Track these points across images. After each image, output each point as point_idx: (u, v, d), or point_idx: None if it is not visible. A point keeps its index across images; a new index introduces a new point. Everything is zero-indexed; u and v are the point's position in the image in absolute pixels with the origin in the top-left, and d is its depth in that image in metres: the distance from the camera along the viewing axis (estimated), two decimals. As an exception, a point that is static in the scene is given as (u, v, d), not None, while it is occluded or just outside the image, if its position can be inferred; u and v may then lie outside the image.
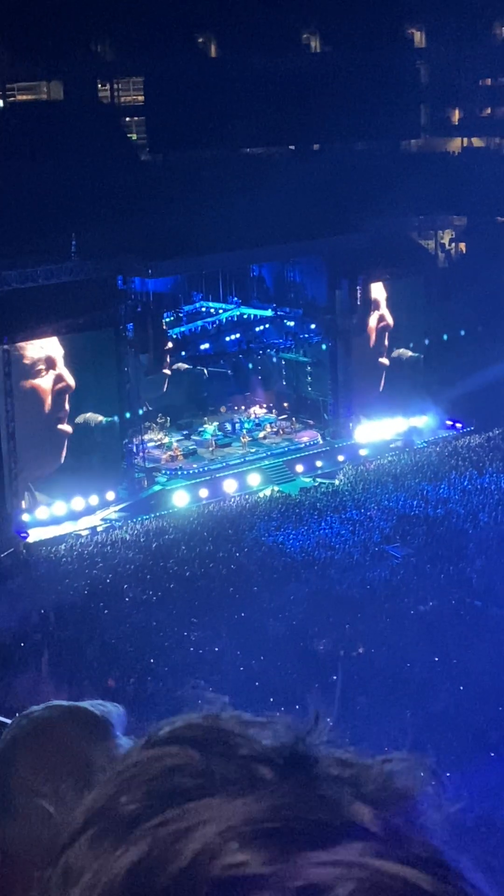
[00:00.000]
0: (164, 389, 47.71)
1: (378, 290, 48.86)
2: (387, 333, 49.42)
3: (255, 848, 0.92)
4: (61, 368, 41.24)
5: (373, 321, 49.08)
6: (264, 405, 50.60)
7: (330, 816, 0.95)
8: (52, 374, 41.11)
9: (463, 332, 49.30)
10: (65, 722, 2.39)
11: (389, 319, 49.44)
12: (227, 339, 47.86)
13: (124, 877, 0.93)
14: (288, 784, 0.98)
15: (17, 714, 2.52)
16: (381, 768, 1.03)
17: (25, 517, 39.86)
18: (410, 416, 48.76)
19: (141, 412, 44.48)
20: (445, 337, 50.35)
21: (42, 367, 40.85)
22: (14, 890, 2.22)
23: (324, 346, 48.49)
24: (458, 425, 48.81)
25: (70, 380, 41.36)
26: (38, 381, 40.88)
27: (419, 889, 0.93)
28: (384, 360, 49.22)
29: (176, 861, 0.92)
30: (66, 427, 41.46)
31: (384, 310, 49.39)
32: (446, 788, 1.06)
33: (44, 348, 40.79)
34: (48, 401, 41.16)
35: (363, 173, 49.46)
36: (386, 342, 49.48)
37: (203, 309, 47.65)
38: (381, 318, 49.41)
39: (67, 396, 41.44)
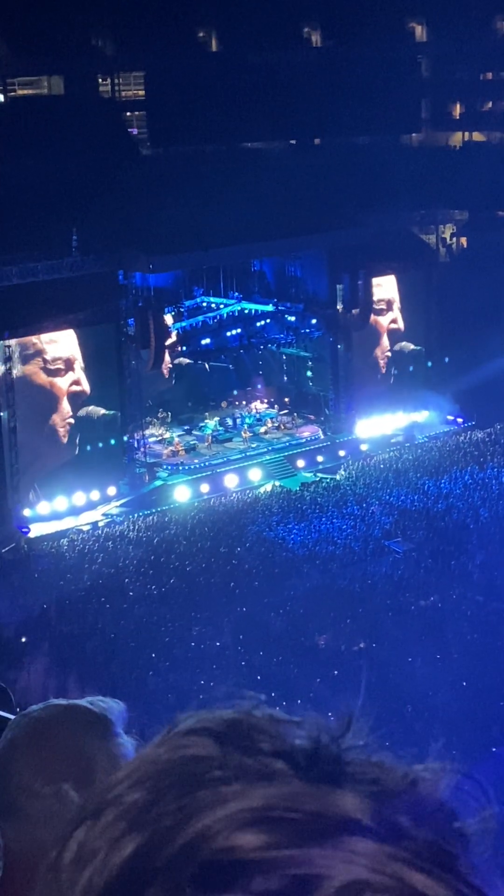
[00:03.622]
0: (173, 383, 47.82)
1: (392, 291, 48.96)
2: (395, 336, 49.58)
3: (255, 832, 0.93)
4: (79, 372, 41.42)
5: (385, 321, 49.17)
6: (265, 400, 50.59)
7: (335, 811, 0.95)
8: (70, 376, 41.29)
9: (464, 327, 49.22)
10: (64, 721, 2.38)
11: (401, 323, 49.55)
12: (228, 334, 47.84)
13: (127, 859, 0.94)
14: (301, 779, 0.98)
15: (17, 710, 2.51)
16: (408, 774, 1.02)
17: (27, 512, 39.88)
18: (411, 411, 48.76)
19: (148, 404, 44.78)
20: (447, 331, 50.33)
21: (62, 366, 41.03)
22: (17, 890, 2.21)
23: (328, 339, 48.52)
24: (460, 420, 48.81)
25: (86, 385, 41.56)
26: (56, 380, 41.07)
27: (412, 888, 0.93)
28: (380, 369, 49.37)
29: (173, 843, 0.93)
30: (64, 434, 41.58)
31: (397, 312, 49.49)
32: (486, 796, 1.05)
33: (66, 348, 40.97)
34: (63, 401, 41.34)
35: (364, 168, 49.39)
36: (391, 344, 49.66)
37: (204, 304, 47.61)
38: (394, 321, 49.53)
39: (80, 402, 41.66)
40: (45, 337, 40.71)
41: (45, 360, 40.74)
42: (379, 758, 1.03)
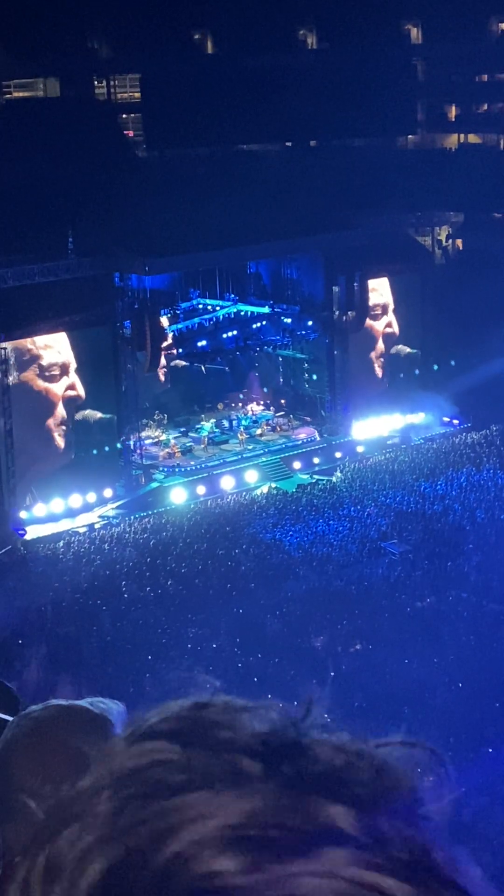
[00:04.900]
0: (168, 385, 47.83)
1: (386, 295, 49.02)
2: (390, 340, 49.64)
3: (233, 855, 0.91)
4: (74, 377, 41.50)
5: (380, 325, 49.21)
6: (261, 402, 50.58)
7: (311, 822, 0.94)
8: (65, 381, 41.36)
9: (460, 329, 49.25)
10: (64, 722, 2.39)
11: (396, 328, 49.64)
12: (225, 336, 47.81)
13: (103, 876, 0.91)
14: (272, 782, 0.96)
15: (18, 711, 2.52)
16: (373, 756, 1.02)
17: (23, 514, 39.86)
18: (408, 413, 48.77)
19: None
20: (442, 334, 50.36)
21: (57, 371, 41.10)
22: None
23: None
24: (456, 422, 48.82)
25: (81, 390, 41.63)
26: (51, 385, 41.14)
27: None
28: (376, 371, 49.43)
29: (152, 864, 0.91)
30: (60, 438, 41.62)
31: (392, 316, 49.56)
32: (447, 775, 1.06)
33: (61, 353, 41.02)
34: (58, 406, 41.41)
35: (360, 170, 49.43)
36: (387, 348, 49.71)
37: (200, 306, 47.59)
38: (389, 325, 49.60)
39: (75, 406, 41.71)
40: (40, 342, 40.73)
41: (40, 367, 40.81)
42: (340, 740, 1.03)
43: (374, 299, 48.72)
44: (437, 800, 1.02)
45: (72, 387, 41.69)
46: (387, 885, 0.92)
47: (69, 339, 41.36)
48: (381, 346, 49.62)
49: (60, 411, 41.57)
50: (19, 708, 2.89)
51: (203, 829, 0.92)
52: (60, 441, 41.69)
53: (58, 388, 41.43)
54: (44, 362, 40.89)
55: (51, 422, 41.43)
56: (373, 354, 49.36)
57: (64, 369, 41.36)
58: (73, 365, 41.58)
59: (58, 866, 0.94)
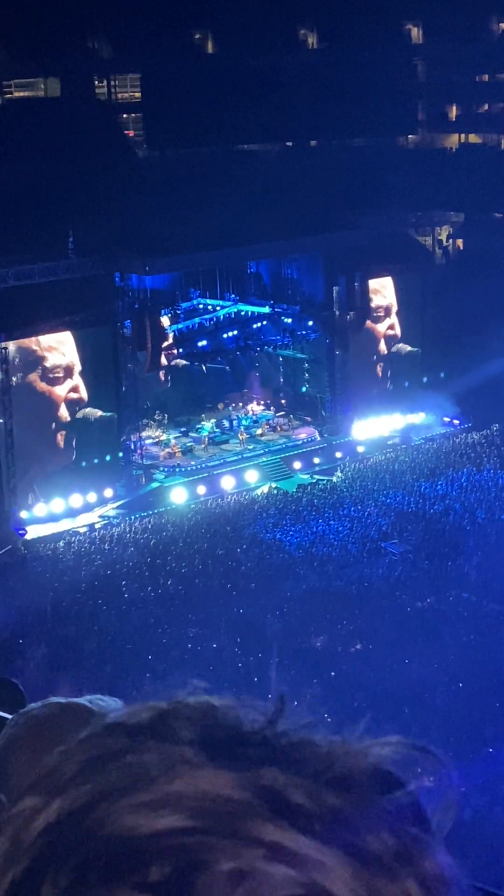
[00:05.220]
0: (168, 384, 47.83)
1: (390, 297, 49.01)
2: (393, 342, 49.64)
3: (154, 819, 0.93)
4: (77, 379, 41.51)
5: (382, 327, 49.20)
6: (262, 402, 50.58)
7: (232, 794, 0.95)
8: (69, 383, 41.38)
9: (460, 329, 49.26)
10: (64, 719, 2.39)
11: (398, 329, 49.61)
12: (225, 335, 47.80)
13: (39, 834, 0.97)
14: (213, 765, 0.97)
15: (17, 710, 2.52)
16: (364, 754, 1.01)
17: (24, 514, 39.87)
18: (408, 413, 48.77)
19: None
20: (443, 333, 50.37)
21: (61, 374, 41.11)
22: None
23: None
24: (456, 422, 48.82)
25: (84, 392, 41.67)
26: (55, 387, 41.18)
27: (321, 888, 0.92)
28: (376, 371, 49.44)
29: (79, 825, 0.95)
30: (61, 439, 41.63)
31: (395, 318, 49.54)
32: (449, 777, 1.04)
33: (66, 355, 41.05)
34: (60, 408, 41.44)
35: (360, 170, 49.44)
36: (386, 349, 49.71)
37: (200, 306, 47.58)
38: (391, 327, 49.58)
39: (77, 408, 41.73)
40: (44, 344, 40.76)
41: (44, 368, 40.84)
42: (310, 737, 1.02)
43: (377, 301, 48.73)
44: (438, 803, 1.01)
45: (75, 389, 41.73)
46: (305, 855, 0.92)
47: (76, 343, 41.43)
48: (382, 347, 49.62)
49: (63, 413, 41.60)
50: (26, 704, 2.90)
51: (134, 799, 0.95)
52: (62, 442, 41.72)
53: (60, 391, 41.47)
54: (48, 364, 40.93)
55: (53, 424, 41.48)
56: (374, 357, 49.34)
57: (68, 371, 41.38)
58: (78, 367, 41.62)
59: (7, 823, 1.00)
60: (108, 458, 42.74)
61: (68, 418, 41.70)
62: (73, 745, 1.05)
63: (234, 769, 0.97)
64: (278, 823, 0.93)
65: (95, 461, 42.16)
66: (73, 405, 41.85)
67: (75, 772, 1.00)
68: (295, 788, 0.96)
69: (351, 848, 0.93)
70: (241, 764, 0.98)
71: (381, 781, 0.99)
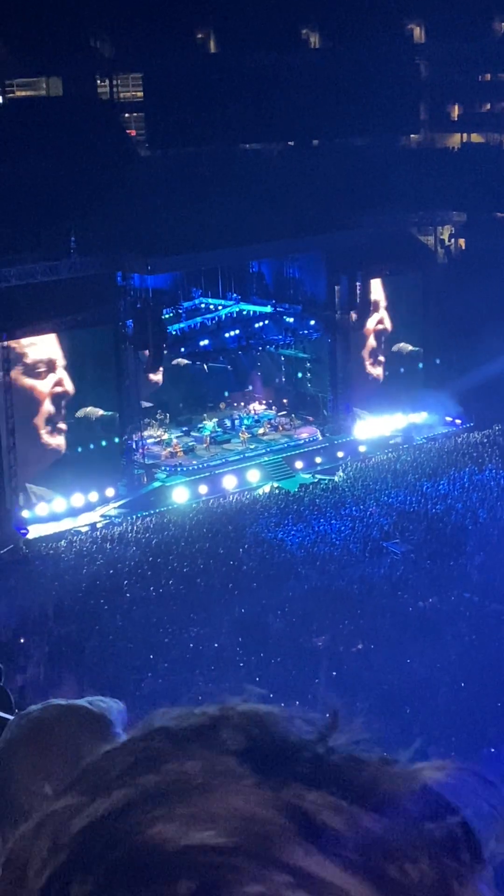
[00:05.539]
0: (159, 385, 47.80)
1: (377, 292, 48.91)
2: (383, 337, 49.55)
3: (198, 830, 0.92)
4: (62, 373, 41.36)
5: (371, 323, 49.14)
6: (264, 401, 50.60)
7: (268, 815, 0.92)
8: (51, 378, 41.22)
9: (462, 328, 49.25)
10: (64, 721, 2.38)
11: (388, 323, 49.55)
12: (227, 335, 47.83)
13: (75, 835, 0.96)
14: (255, 781, 0.95)
15: (16, 710, 2.51)
16: (414, 777, 0.98)
17: (25, 514, 39.87)
18: (410, 413, 48.77)
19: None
20: (445, 333, 50.36)
21: (43, 368, 40.97)
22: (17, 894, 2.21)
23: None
24: (458, 421, 48.81)
25: (69, 385, 41.50)
26: (37, 383, 40.99)
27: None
28: (377, 370, 49.34)
29: (120, 825, 0.94)
30: (53, 438, 41.47)
31: (383, 312, 49.48)
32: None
33: (46, 350, 40.90)
34: (45, 403, 41.25)
35: (362, 169, 49.42)
36: (381, 345, 49.59)
37: (202, 305, 47.61)
38: (380, 321, 49.51)
39: (64, 402, 41.52)
40: (24, 340, 40.49)
41: (25, 365, 40.61)
42: (360, 755, 0.99)
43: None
44: (493, 829, 0.97)
45: (59, 383, 41.41)
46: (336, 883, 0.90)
47: (58, 338, 41.20)
48: (372, 342, 49.43)
49: (47, 408, 41.34)
50: (12, 704, 2.89)
51: (176, 807, 0.93)
52: (49, 438, 41.48)
53: (44, 386, 41.18)
54: (28, 360, 40.70)
55: (38, 419, 41.19)
56: (365, 352, 49.22)
57: (50, 366, 41.16)
58: (62, 361, 41.32)
59: (49, 822, 0.99)
60: (103, 443, 42.49)
61: (54, 412, 41.47)
62: (118, 745, 1.04)
63: (275, 785, 0.95)
64: (309, 848, 0.91)
65: (96, 459, 42.05)
66: (59, 399, 41.55)
67: (116, 774, 0.99)
68: (333, 811, 0.93)
69: (382, 877, 0.91)
70: (285, 779, 0.95)
71: (431, 806, 0.96)
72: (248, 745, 0.99)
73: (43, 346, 40.88)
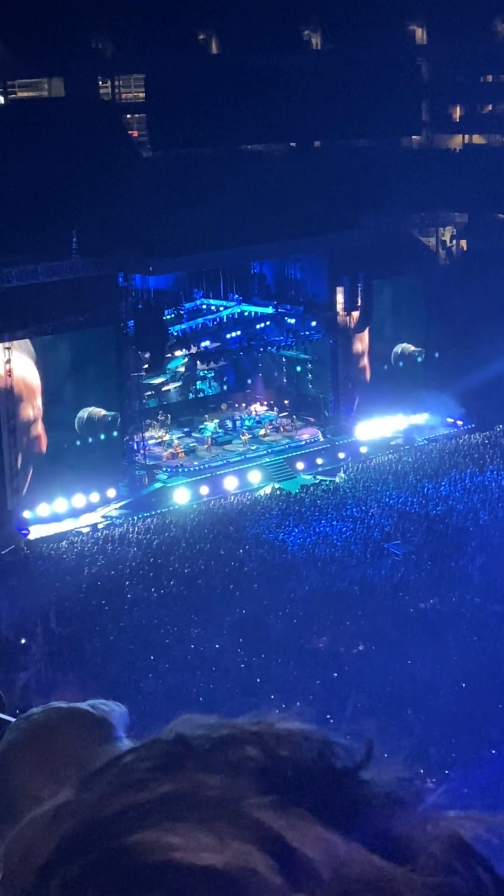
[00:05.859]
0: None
1: (379, 293, 48.91)
2: (384, 338, 49.48)
3: (182, 850, 0.91)
4: (24, 371, 40.46)
5: (372, 324, 49.10)
6: (265, 402, 50.60)
7: (287, 872, 0.89)
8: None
9: (464, 329, 49.27)
10: (65, 724, 2.36)
11: (389, 324, 49.46)
12: (228, 336, 47.85)
13: (68, 828, 0.96)
14: (256, 800, 0.93)
15: (17, 712, 2.50)
16: (445, 825, 0.94)
17: (27, 514, 39.85)
18: (411, 414, 48.75)
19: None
20: (446, 334, 50.35)
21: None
22: None
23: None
24: (460, 423, 48.80)
25: (34, 382, 40.63)
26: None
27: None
28: (378, 372, 49.35)
29: (109, 828, 0.94)
30: (39, 434, 41.06)
31: (384, 313, 49.43)
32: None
33: (16, 347, 39.99)
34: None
35: (364, 170, 49.41)
36: (383, 346, 49.54)
37: (204, 306, 47.63)
38: (381, 322, 49.47)
39: (32, 405, 40.84)
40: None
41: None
42: (395, 792, 0.95)
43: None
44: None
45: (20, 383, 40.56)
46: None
47: (65, 337, 40.92)
48: (373, 343, 49.29)
49: (26, 409, 40.77)
50: (4, 706, 2.87)
51: (166, 821, 0.93)
52: (34, 435, 41.09)
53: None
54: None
55: (18, 419, 40.52)
56: (366, 353, 49.06)
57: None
58: (26, 357, 40.53)
59: (46, 814, 1.00)
60: (101, 436, 42.26)
61: (30, 414, 40.96)
62: (135, 749, 1.04)
63: (285, 814, 0.91)
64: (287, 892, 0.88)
65: (98, 459, 41.97)
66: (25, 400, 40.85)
67: (120, 777, 1.00)
68: (328, 854, 0.90)
69: None
70: (299, 808, 0.92)
71: (461, 855, 0.92)
72: (271, 765, 0.96)
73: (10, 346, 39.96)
